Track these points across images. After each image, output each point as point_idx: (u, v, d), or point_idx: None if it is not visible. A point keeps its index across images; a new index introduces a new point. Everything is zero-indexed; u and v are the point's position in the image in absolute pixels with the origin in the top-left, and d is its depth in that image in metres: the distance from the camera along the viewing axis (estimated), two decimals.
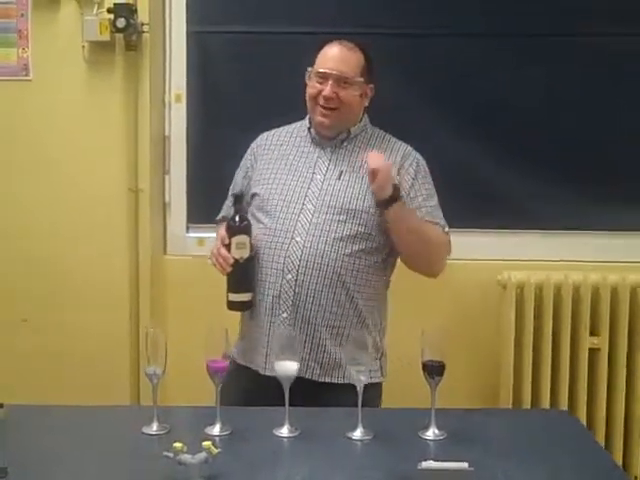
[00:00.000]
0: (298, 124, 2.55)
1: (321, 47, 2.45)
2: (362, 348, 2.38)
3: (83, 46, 3.21)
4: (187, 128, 3.41)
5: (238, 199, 2.43)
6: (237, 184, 2.58)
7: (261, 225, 2.41)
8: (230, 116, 3.33)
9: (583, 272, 3.23)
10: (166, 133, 3.41)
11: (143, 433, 2.02)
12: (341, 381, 2.36)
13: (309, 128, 2.50)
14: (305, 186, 2.42)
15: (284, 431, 2.03)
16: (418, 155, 2.50)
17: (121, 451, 2.01)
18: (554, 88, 3.32)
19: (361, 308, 2.40)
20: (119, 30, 3.14)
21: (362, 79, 2.42)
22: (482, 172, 3.33)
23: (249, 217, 2.43)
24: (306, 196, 2.40)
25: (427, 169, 2.50)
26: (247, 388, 2.37)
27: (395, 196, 2.32)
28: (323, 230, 2.36)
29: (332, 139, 2.47)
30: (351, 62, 2.41)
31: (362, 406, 2.04)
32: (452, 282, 3.27)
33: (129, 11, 3.14)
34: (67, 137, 3.27)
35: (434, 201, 2.48)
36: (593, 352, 3.24)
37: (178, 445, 1.76)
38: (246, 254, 2.32)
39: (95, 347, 3.30)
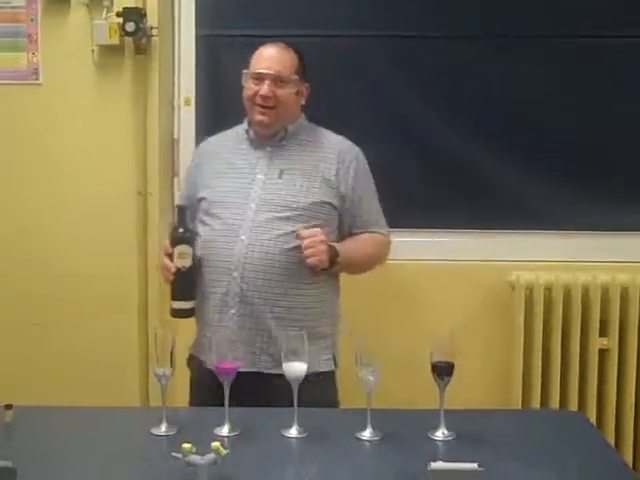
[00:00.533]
0: (238, 127, 2.65)
1: (255, 49, 2.57)
2: (312, 338, 2.32)
3: (92, 50, 3.22)
4: (196, 131, 3.41)
5: (181, 210, 2.49)
6: (184, 190, 2.72)
7: (208, 228, 2.51)
8: (239, 119, 3.32)
9: (592, 273, 3.22)
10: (175, 136, 3.41)
11: (152, 434, 2.03)
12: None
13: (247, 130, 2.59)
14: (248, 187, 2.50)
15: (293, 432, 2.03)
16: (356, 150, 2.59)
17: (130, 452, 2.01)
18: (559, 89, 3.31)
19: (309, 300, 2.47)
20: (128, 34, 3.15)
21: (297, 77, 2.52)
22: (491, 173, 3.33)
23: (198, 222, 2.54)
24: (249, 196, 2.48)
25: (366, 163, 2.60)
26: (207, 384, 2.35)
27: (334, 259, 2.45)
28: (266, 227, 2.44)
29: (270, 138, 2.55)
30: (286, 61, 2.51)
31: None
32: (461, 283, 3.28)
33: (138, 15, 3.15)
34: (76, 140, 3.28)
35: (375, 202, 2.60)
36: (603, 353, 3.23)
37: (187, 446, 1.77)
38: (188, 263, 2.41)
39: (105, 349, 3.30)
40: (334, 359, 2.54)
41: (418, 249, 3.34)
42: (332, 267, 2.47)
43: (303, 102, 2.60)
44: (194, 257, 2.43)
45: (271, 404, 2.23)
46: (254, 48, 2.60)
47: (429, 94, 3.32)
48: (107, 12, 3.18)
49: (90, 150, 3.28)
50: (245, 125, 2.61)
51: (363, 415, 2.03)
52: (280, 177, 2.50)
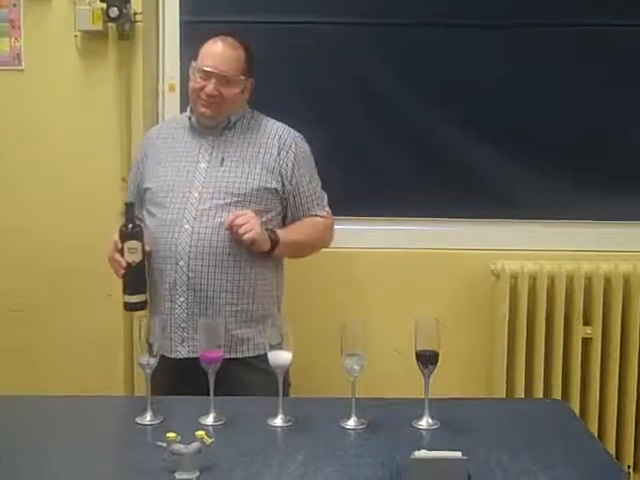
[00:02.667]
0: (178, 117, 2.73)
1: (204, 42, 2.59)
2: (264, 323, 2.38)
3: (75, 35, 3.19)
4: None
5: (129, 206, 2.53)
6: (131, 181, 2.77)
7: (154, 218, 2.56)
8: None
9: (576, 262, 3.23)
10: (159, 122, 3.40)
11: (137, 423, 2.02)
12: (247, 355, 2.52)
13: (189, 118, 2.64)
14: (190, 175, 2.56)
15: (278, 421, 2.03)
16: (296, 135, 2.64)
17: (115, 441, 2.01)
18: (550, 77, 3.31)
19: (257, 284, 2.55)
20: (112, 19, 3.12)
21: (243, 77, 2.58)
22: (475, 161, 3.33)
23: (145, 212, 2.60)
24: (192, 185, 2.54)
25: (307, 148, 2.66)
26: (165, 373, 2.35)
27: (274, 244, 2.52)
28: (209, 215, 2.50)
29: (213, 128, 2.61)
30: (232, 61, 2.55)
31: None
32: (445, 272, 3.29)
33: (122, 0, 3.12)
34: (60, 127, 3.26)
35: (314, 185, 2.66)
36: (586, 342, 3.25)
37: (171, 435, 1.76)
38: (138, 258, 2.47)
39: (90, 337, 3.29)
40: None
41: (402, 238, 3.35)
42: (273, 250, 2.52)
43: (248, 96, 2.65)
44: (144, 251, 2.48)
45: (228, 390, 2.20)
46: (243, 35, 2.61)
47: (412, 80, 3.31)
48: None
49: (74, 137, 3.26)
50: (188, 113, 2.66)
51: (348, 404, 2.03)
52: (222, 165, 2.56)
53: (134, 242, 2.47)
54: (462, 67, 3.30)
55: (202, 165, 2.58)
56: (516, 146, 3.33)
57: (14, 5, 3.22)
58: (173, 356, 2.51)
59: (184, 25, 3.36)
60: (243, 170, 2.55)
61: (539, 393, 3.22)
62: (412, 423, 2.03)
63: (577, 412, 2.92)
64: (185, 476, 1.74)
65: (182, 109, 3.37)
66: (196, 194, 2.53)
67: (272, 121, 2.68)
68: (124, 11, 3.12)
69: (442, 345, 2.03)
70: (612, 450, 3.18)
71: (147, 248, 2.51)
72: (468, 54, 3.29)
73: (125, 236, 2.48)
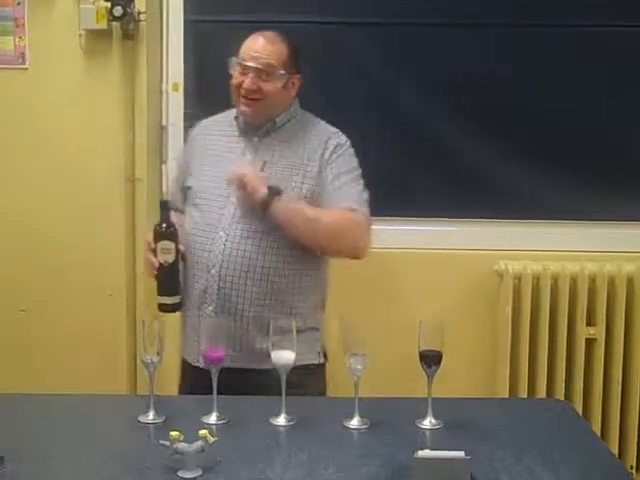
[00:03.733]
0: (225, 114, 2.57)
1: (247, 37, 2.48)
2: (290, 334, 2.31)
3: (80, 34, 3.19)
4: (184, 117, 3.40)
5: (164, 205, 2.46)
6: (174, 177, 2.67)
7: (191, 220, 2.48)
8: (228, 105, 3.31)
9: (580, 262, 3.23)
10: (163, 122, 3.40)
11: (139, 422, 2.02)
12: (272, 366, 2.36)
13: (236, 117, 2.52)
14: None
15: (281, 420, 2.03)
16: (342, 137, 2.50)
17: (117, 440, 2.01)
18: (552, 77, 3.31)
19: (288, 297, 2.43)
20: (116, 18, 3.13)
21: (284, 71, 2.43)
22: (479, 162, 3.33)
23: (186, 212, 2.51)
24: (231, 189, 2.41)
25: (350, 150, 2.50)
26: (190, 381, 2.42)
27: (272, 194, 2.34)
28: (244, 223, 2.39)
29: (258, 129, 2.48)
30: (272, 55, 2.43)
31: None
32: (449, 272, 3.29)
33: None
34: (64, 126, 3.26)
35: (350, 183, 2.45)
36: (590, 342, 3.24)
37: (174, 434, 1.76)
38: (171, 259, 2.38)
39: (92, 336, 3.29)
40: (320, 353, 2.52)
41: (406, 238, 3.35)
42: (271, 201, 2.33)
43: (294, 93, 2.51)
44: (177, 252, 2.40)
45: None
46: (244, 34, 2.58)
47: (416, 81, 3.32)
48: None
49: (77, 136, 3.26)
50: (235, 112, 2.54)
51: (351, 403, 2.03)
52: (262, 169, 2.42)
53: (167, 242, 2.38)
54: (466, 68, 3.30)
55: None
56: (520, 146, 3.33)
57: (18, 4, 3.22)
58: (196, 364, 2.39)
59: (188, 24, 3.36)
60: (283, 177, 2.41)
61: (542, 393, 3.22)
62: (415, 423, 2.03)
63: (580, 412, 2.92)
64: (188, 475, 1.74)
65: (186, 108, 3.39)
66: (233, 199, 2.42)
67: (322, 124, 2.53)
68: (128, 10, 3.12)
69: (445, 345, 2.03)
70: (615, 450, 3.18)
71: (182, 248, 2.42)
72: (473, 54, 3.29)
73: (158, 236, 2.40)
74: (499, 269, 3.25)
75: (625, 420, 3.27)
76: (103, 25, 3.14)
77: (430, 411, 2.03)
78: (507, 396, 3.20)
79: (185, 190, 2.55)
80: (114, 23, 3.16)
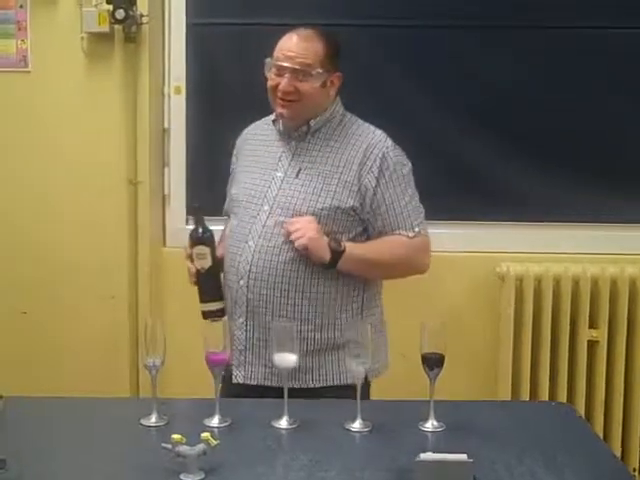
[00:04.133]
0: (269, 117, 2.46)
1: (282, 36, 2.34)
2: (326, 350, 2.31)
3: (82, 37, 3.20)
4: (186, 120, 3.40)
5: (197, 210, 2.41)
6: (229, 186, 2.53)
7: (229, 228, 2.42)
8: (230, 108, 3.33)
9: (582, 264, 3.23)
10: (165, 125, 3.40)
11: (142, 425, 2.02)
12: (311, 385, 2.30)
13: (274, 120, 2.41)
14: (266, 185, 2.34)
15: (283, 423, 2.02)
16: (387, 144, 2.34)
17: (119, 443, 2.01)
18: (554, 78, 3.31)
19: (322, 310, 2.29)
20: (118, 21, 3.13)
21: (321, 70, 2.29)
22: (482, 164, 3.33)
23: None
24: (265, 197, 2.32)
25: (398, 160, 2.35)
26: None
27: (336, 253, 2.23)
28: (274, 233, 2.28)
29: (295, 131, 2.35)
30: (308, 54, 2.28)
31: None
32: (450, 274, 3.29)
33: (128, 2, 3.14)
34: (66, 129, 3.27)
35: (404, 201, 2.32)
36: (592, 344, 3.24)
37: (177, 437, 1.76)
38: (207, 264, 2.32)
39: (94, 339, 3.30)
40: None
41: None
42: (336, 261, 2.24)
43: (333, 93, 2.36)
44: (214, 257, 2.33)
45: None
46: (249, 37, 2.52)
47: (419, 83, 3.32)
48: None
49: (79, 138, 3.27)
50: (273, 115, 2.42)
51: (353, 406, 2.03)
52: (297, 177, 2.31)
53: (202, 247, 2.31)
54: (467, 68, 3.31)
55: (278, 174, 2.33)
56: (522, 148, 3.33)
57: (21, 7, 3.23)
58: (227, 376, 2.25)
59: (190, 27, 3.37)
60: (316, 186, 2.28)
61: (544, 396, 3.22)
62: (417, 425, 2.03)
63: (582, 415, 2.92)
64: (190, 478, 1.73)
65: (188, 112, 3.39)
66: (266, 207, 2.31)
67: (364, 127, 2.37)
68: (130, 13, 3.13)
69: (447, 348, 2.03)
70: (618, 453, 3.17)
71: (219, 253, 2.35)
72: (473, 54, 3.30)
73: (193, 241, 2.33)
74: (501, 271, 3.25)
75: (628, 422, 3.27)
76: (105, 28, 3.14)
77: (432, 413, 2.03)
78: (509, 399, 3.20)
79: (231, 198, 2.48)
80: (116, 26, 3.17)
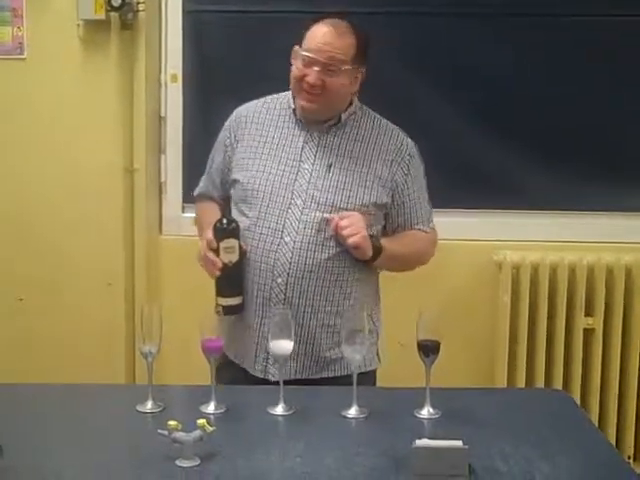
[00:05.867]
0: (278, 99, 2.37)
1: (311, 24, 2.25)
2: (357, 339, 2.27)
3: (78, 25, 3.19)
4: (183, 108, 3.39)
5: (225, 202, 2.35)
6: (216, 164, 2.44)
7: (245, 219, 2.29)
8: (226, 96, 3.30)
9: (578, 252, 3.24)
10: (162, 113, 3.40)
11: (138, 411, 2.02)
12: (339, 373, 2.31)
13: (294, 110, 2.32)
14: (292, 177, 2.27)
15: (279, 409, 2.03)
16: (411, 143, 2.36)
17: (116, 429, 2.01)
18: (552, 68, 3.31)
19: (357, 303, 2.29)
20: (114, 9, 3.12)
21: (351, 66, 2.24)
22: (478, 152, 3.33)
23: (233, 206, 2.35)
24: (293, 189, 2.26)
25: (419, 159, 2.38)
26: (235, 383, 2.30)
27: (377, 250, 2.25)
28: (313, 229, 2.24)
29: (320, 123, 2.30)
30: (341, 48, 2.21)
31: None
32: (447, 262, 3.27)
33: None
34: (62, 117, 3.26)
35: (422, 199, 2.38)
36: (588, 332, 3.25)
37: (173, 423, 1.76)
38: (235, 258, 2.22)
39: (91, 327, 3.30)
40: (378, 356, 2.42)
41: None
42: (376, 258, 2.26)
43: (357, 88, 2.32)
44: (240, 250, 2.24)
45: None
46: (246, 24, 2.48)
47: (418, 71, 3.32)
48: None
49: (75, 126, 3.26)
50: (291, 103, 2.33)
51: (349, 393, 2.03)
52: (329, 171, 2.27)
53: (231, 240, 2.21)
54: (467, 58, 3.31)
55: (306, 167, 2.27)
56: (519, 136, 3.33)
57: None
58: (261, 376, 2.30)
59: (187, 15, 3.36)
60: (353, 181, 2.26)
61: (540, 383, 3.23)
62: (413, 412, 2.03)
63: (578, 402, 2.93)
64: (186, 464, 1.74)
65: (185, 99, 3.38)
66: (299, 202, 2.24)
67: (385, 121, 2.36)
68: (127, 0, 3.12)
69: (444, 335, 2.03)
70: (612, 440, 3.19)
71: (244, 246, 2.25)
72: (474, 44, 3.29)
73: (221, 234, 2.22)
74: (498, 259, 3.25)
75: (623, 410, 3.28)
76: (101, 15, 3.13)
77: (428, 401, 2.03)
78: (505, 386, 3.21)
79: (230, 183, 2.37)
80: (112, 13, 3.16)
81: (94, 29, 3.20)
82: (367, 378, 2.31)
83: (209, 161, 2.48)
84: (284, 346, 2.05)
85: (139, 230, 3.32)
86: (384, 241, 2.29)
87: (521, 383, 3.24)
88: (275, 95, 2.40)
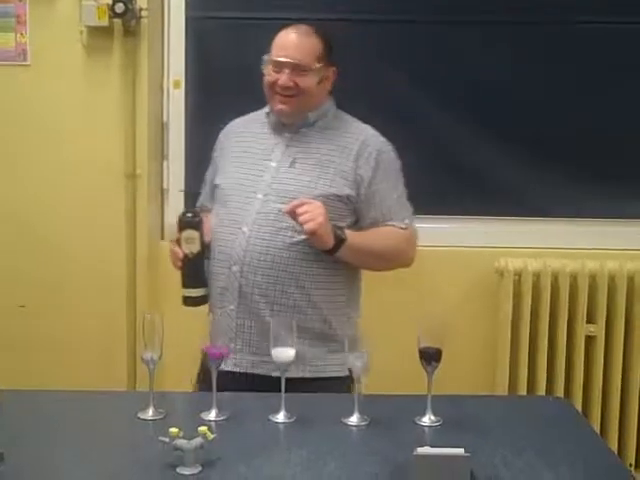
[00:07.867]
0: (259, 112, 2.47)
1: (277, 34, 2.36)
2: (317, 340, 2.31)
3: (81, 31, 3.20)
4: (185, 114, 3.40)
5: (186, 195, 2.40)
6: (208, 177, 2.54)
7: (218, 218, 2.38)
8: (229, 102, 3.31)
9: (580, 260, 3.23)
10: (164, 119, 3.40)
11: (139, 418, 2.02)
12: (300, 375, 2.28)
13: (268, 113, 2.42)
14: (259, 175, 2.35)
15: (280, 417, 2.03)
16: (381, 141, 2.39)
17: (117, 436, 2.01)
18: (554, 76, 3.31)
19: (316, 299, 2.31)
20: (117, 15, 3.13)
21: (320, 65, 2.33)
22: (480, 159, 3.33)
23: (214, 210, 2.41)
24: (258, 185, 2.33)
25: (392, 156, 2.41)
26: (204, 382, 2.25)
27: (339, 240, 2.24)
28: (269, 219, 2.29)
29: (291, 124, 2.38)
30: (307, 49, 2.32)
31: None
32: (449, 269, 3.29)
33: None
34: (65, 123, 3.26)
35: (396, 194, 2.39)
36: (590, 340, 3.25)
37: (174, 430, 1.76)
38: (195, 249, 2.29)
39: (92, 333, 3.30)
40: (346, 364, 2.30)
41: None
42: (337, 249, 2.25)
43: (329, 87, 2.40)
44: (202, 242, 2.30)
45: None
46: (248, 31, 2.53)
47: (417, 79, 3.32)
48: None
49: (78, 132, 3.27)
50: (266, 109, 2.43)
51: (350, 400, 2.03)
52: (292, 166, 2.33)
53: (191, 231, 2.28)
54: (466, 66, 3.31)
55: (272, 164, 2.34)
56: (520, 143, 3.33)
57: (20, 0, 3.23)
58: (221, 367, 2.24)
59: (190, 21, 3.36)
60: (313, 174, 2.31)
61: (542, 390, 3.23)
62: (415, 420, 2.03)
63: (580, 410, 2.93)
64: (187, 471, 1.74)
65: (187, 106, 3.39)
66: (260, 195, 2.31)
67: (357, 123, 2.42)
68: (130, 7, 3.13)
69: (445, 342, 2.03)
70: (614, 448, 3.18)
71: (207, 239, 2.32)
72: (473, 52, 3.30)
73: (182, 225, 2.30)
74: (499, 266, 3.25)
75: (624, 418, 3.27)
76: (104, 22, 3.14)
77: (430, 408, 2.03)
78: (507, 393, 3.21)
79: (214, 189, 2.46)
80: (115, 20, 3.17)
81: (97, 35, 3.20)
82: (336, 385, 2.25)
83: (205, 175, 2.58)
84: (286, 354, 2.04)
85: (141, 236, 3.32)
86: (350, 233, 2.29)
87: (523, 390, 3.23)
88: (258, 111, 2.49)
